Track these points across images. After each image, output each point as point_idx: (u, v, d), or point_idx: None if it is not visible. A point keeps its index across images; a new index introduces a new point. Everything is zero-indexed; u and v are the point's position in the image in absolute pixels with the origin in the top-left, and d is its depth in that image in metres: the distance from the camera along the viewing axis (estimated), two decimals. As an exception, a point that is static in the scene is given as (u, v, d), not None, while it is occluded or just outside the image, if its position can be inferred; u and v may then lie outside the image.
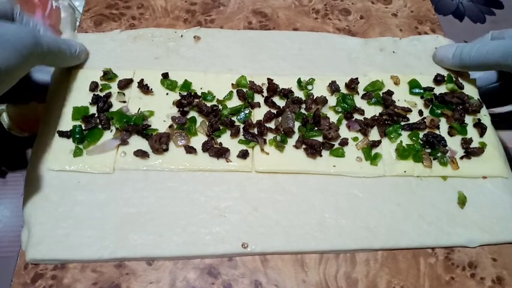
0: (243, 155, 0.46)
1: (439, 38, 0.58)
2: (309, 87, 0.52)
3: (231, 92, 0.51)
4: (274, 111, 0.50)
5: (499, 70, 0.53)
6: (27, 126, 0.53)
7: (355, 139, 0.49)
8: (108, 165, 0.44)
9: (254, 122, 0.49)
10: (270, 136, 0.48)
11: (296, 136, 0.48)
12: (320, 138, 0.48)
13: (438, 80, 0.54)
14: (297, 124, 0.49)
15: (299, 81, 0.52)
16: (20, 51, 0.39)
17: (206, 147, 0.46)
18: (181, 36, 0.55)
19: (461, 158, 0.49)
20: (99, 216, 0.42)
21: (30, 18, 0.45)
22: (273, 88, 0.51)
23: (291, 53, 0.56)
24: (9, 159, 0.53)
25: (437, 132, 0.50)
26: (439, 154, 0.48)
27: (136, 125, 0.46)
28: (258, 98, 0.51)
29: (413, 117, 0.51)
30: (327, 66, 0.55)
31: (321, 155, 0.47)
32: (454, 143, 0.49)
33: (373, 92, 0.52)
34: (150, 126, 0.47)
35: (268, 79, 0.52)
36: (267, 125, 0.48)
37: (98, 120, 0.46)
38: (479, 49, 0.49)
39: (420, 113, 0.51)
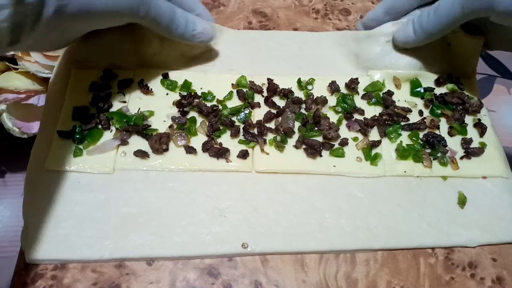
0: (243, 155, 0.46)
1: None
2: (309, 87, 0.52)
3: (231, 92, 0.51)
4: (274, 111, 0.50)
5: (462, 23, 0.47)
6: (27, 126, 0.53)
7: (355, 139, 0.49)
8: (108, 165, 0.44)
9: (254, 122, 0.49)
10: (270, 136, 0.48)
11: (296, 136, 0.48)
12: (320, 138, 0.48)
13: (440, 82, 0.53)
14: (297, 124, 0.49)
15: (299, 81, 0.52)
16: (112, 5, 0.37)
17: (206, 147, 0.46)
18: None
19: (461, 158, 0.49)
20: (99, 217, 0.42)
21: None
22: (273, 88, 0.51)
23: (291, 53, 0.56)
24: (9, 159, 0.53)
25: (437, 132, 0.50)
26: (439, 154, 0.48)
27: (137, 125, 0.46)
28: (258, 98, 0.51)
29: (414, 118, 0.51)
30: (327, 66, 0.55)
31: (321, 155, 0.47)
32: (454, 143, 0.49)
33: (373, 92, 0.52)
34: (150, 126, 0.47)
35: (268, 79, 0.52)
36: (267, 125, 0.48)
37: (98, 120, 0.46)
38: (436, 11, 0.46)
39: (420, 113, 0.51)
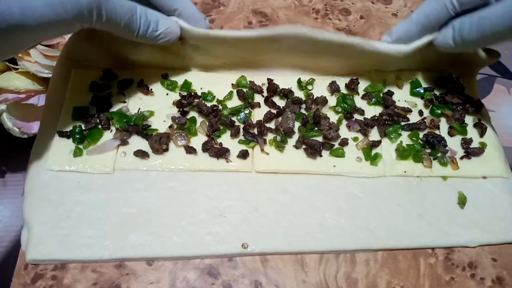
0: (243, 155, 0.46)
1: None
2: (309, 87, 0.52)
3: (231, 92, 0.51)
4: (274, 111, 0.49)
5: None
6: (27, 126, 0.53)
7: (355, 139, 0.49)
8: (108, 165, 0.44)
9: (254, 122, 0.48)
10: (270, 136, 0.48)
11: (296, 136, 0.48)
12: (320, 138, 0.48)
13: (440, 82, 0.53)
14: (297, 124, 0.49)
15: (299, 81, 0.52)
16: (60, 9, 0.34)
17: (206, 147, 0.46)
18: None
19: (462, 158, 0.49)
20: (99, 217, 0.42)
21: None
22: (273, 88, 0.51)
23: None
24: (9, 159, 0.53)
25: (437, 132, 0.50)
26: (439, 154, 0.48)
27: (137, 125, 0.46)
28: (258, 98, 0.51)
29: (414, 118, 0.51)
30: (327, 66, 0.55)
31: (321, 155, 0.47)
32: (454, 143, 0.49)
33: (373, 92, 0.52)
34: (150, 126, 0.47)
35: (268, 79, 0.52)
36: (267, 125, 0.48)
37: (98, 120, 0.46)
38: (480, 25, 0.42)
39: (420, 113, 0.51)
